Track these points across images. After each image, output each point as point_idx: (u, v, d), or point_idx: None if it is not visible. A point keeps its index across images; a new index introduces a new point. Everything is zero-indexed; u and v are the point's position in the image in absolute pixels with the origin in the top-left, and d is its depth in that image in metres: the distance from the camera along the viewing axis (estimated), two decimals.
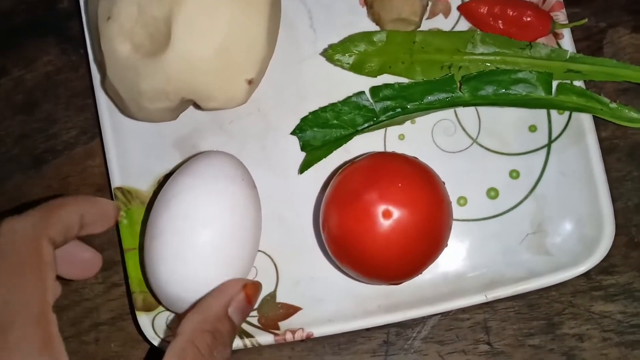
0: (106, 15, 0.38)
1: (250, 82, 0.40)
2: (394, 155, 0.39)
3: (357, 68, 0.43)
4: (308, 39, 0.45)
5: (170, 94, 0.39)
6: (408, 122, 0.43)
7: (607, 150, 0.43)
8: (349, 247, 0.37)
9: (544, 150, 0.42)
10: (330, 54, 0.42)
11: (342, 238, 0.37)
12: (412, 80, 0.43)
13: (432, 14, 0.44)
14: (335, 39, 0.44)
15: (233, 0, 0.38)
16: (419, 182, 0.37)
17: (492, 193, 0.42)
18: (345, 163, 0.42)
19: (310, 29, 0.45)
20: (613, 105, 0.41)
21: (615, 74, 0.41)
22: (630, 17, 0.44)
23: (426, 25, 0.44)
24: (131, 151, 0.44)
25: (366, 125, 0.43)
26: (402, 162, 0.38)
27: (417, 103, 0.43)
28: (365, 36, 0.42)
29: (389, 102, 0.43)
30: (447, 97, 0.42)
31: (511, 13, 0.42)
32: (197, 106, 0.41)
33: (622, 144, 0.43)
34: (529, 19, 0.41)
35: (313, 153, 0.43)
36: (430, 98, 0.42)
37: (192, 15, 0.37)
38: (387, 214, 0.35)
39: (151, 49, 0.38)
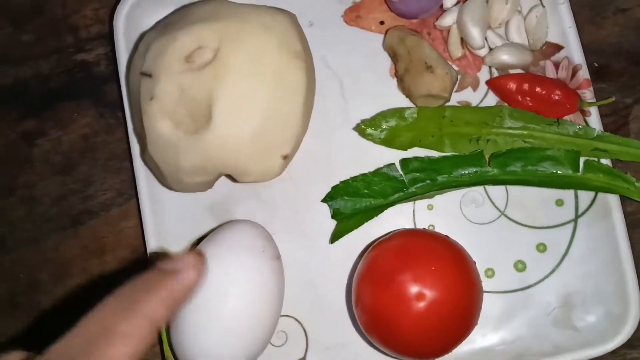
0: (149, 95, 0.39)
1: (285, 157, 0.41)
2: (425, 235, 0.41)
3: (388, 142, 0.44)
4: (339, 107, 0.46)
5: (208, 170, 0.40)
6: None
7: (633, 224, 0.44)
8: (382, 325, 0.38)
9: (571, 225, 0.43)
10: (362, 128, 0.43)
11: (375, 317, 0.38)
12: (442, 154, 0.44)
13: (461, 87, 0.45)
14: (365, 108, 0.45)
15: (271, 83, 0.39)
16: (451, 263, 0.38)
17: (520, 265, 0.43)
18: (376, 239, 0.43)
19: (341, 98, 0.46)
20: (639, 184, 0.42)
21: None
22: None
23: (455, 97, 0.45)
24: (166, 215, 0.45)
25: (396, 195, 0.44)
26: (434, 242, 0.39)
27: (446, 176, 0.44)
28: (397, 112, 0.43)
29: (418, 174, 0.44)
30: (476, 171, 0.43)
31: (540, 91, 0.43)
32: (232, 179, 0.42)
33: None
34: (557, 97, 0.42)
35: (344, 222, 0.44)
36: (459, 171, 0.43)
37: (231, 98, 0.38)
38: (420, 297, 0.36)
39: (192, 127, 0.39)
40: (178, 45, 0.39)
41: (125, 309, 0.26)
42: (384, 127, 0.43)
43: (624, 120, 0.45)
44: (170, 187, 0.43)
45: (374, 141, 0.44)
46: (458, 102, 0.45)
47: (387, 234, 0.42)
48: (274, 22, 0.40)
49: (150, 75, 0.39)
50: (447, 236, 0.40)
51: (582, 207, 0.43)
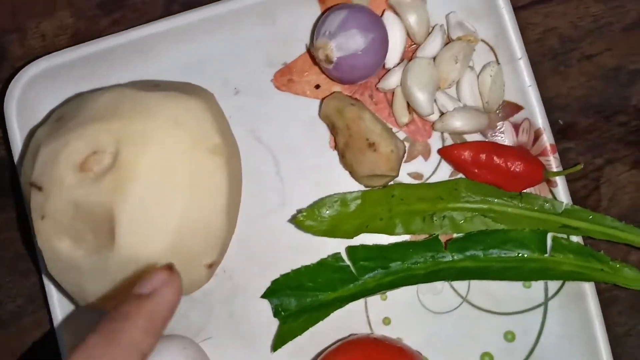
0: (40, 212, 0.33)
1: (210, 265, 0.35)
2: (380, 348, 0.35)
3: (331, 232, 0.38)
4: (275, 188, 0.40)
5: (118, 292, 0.34)
6: None
7: (607, 303, 0.39)
8: None
9: (541, 309, 0.39)
10: (300, 220, 0.38)
11: None
12: (393, 240, 0.39)
13: (410, 157, 0.40)
14: (304, 188, 0.40)
15: (185, 189, 0.33)
16: None
17: (487, 358, 0.39)
18: (325, 348, 0.38)
19: (277, 177, 0.40)
20: (614, 264, 0.37)
21: (615, 235, 0.37)
22: (629, 151, 0.40)
23: (404, 168, 0.39)
24: (84, 324, 0.40)
25: (345, 287, 0.39)
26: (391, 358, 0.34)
27: (400, 263, 0.38)
28: (338, 199, 0.38)
29: (367, 263, 0.39)
30: (432, 256, 0.38)
31: (498, 162, 0.37)
32: None
33: (622, 295, 0.39)
34: (518, 169, 0.37)
35: (288, 323, 0.39)
36: (414, 258, 0.38)
37: (137, 212, 0.32)
38: None
39: (94, 244, 0.33)
40: (70, 152, 0.33)
41: (108, 343, 0.26)
42: (325, 216, 0.38)
43: (595, 184, 0.40)
44: (79, 305, 0.37)
45: (315, 233, 0.38)
46: (408, 174, 0.40)
47: (338, 341, 0.37)
48: (185, 113, 0.34)
49: (40, 188, 0.33)
50: (403, 348, 0.35)
51: (552, 288, 0.39)
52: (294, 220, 0.38)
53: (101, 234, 0.33)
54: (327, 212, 0.38)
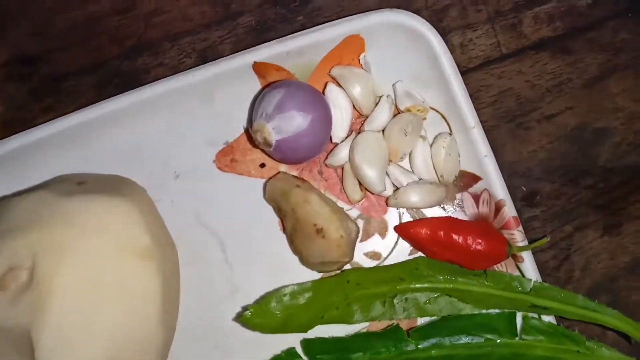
0: None
1: None
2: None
3: (282, 328, 0.35)
4: (224, 276, 0.37)
5: None
6: None
7: None
8: None
9: None
10: (247, 318, 0.35)
11: None
12: (351, 331, 0.36)
13: (367, 235, 0.37)
14: (255, 274, 0.37)
15: (112, 300, 0.30)
16: None
17: None
18: None
19: (225, 264, 0.38)
20: (590, 344, 0.34)
21: (587, 316, 0.34)
22: (599, 215, 0.37)
23: (360, 248, 0.37)
24: None
25: None
26: None
27: (361, 354, 0.35)
28: (288, 292, 0.35)
29: (325, 357, 0.36)
30: (395, 347, 0.35)
31: (458, 239, 0.35)
32: None
33: None
34: (479, 246, 0.34)
35: None
36: (375, 349, 0.35)
37: (57, 334, 0.29)
38: None
39: None
40: None
41: None
42: (274, 311, 0.35)
43: (565, 253, 0.37)
44: None
45: (264, 331, 0.35)
46: (365, 254, 0.37)
47: None
48: (110, 216, 0.31)
49: None
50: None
51: None
52: (241, 318, 0.35)
53: (25, 356, 0.30)
54: (277, 306, 0.35)
